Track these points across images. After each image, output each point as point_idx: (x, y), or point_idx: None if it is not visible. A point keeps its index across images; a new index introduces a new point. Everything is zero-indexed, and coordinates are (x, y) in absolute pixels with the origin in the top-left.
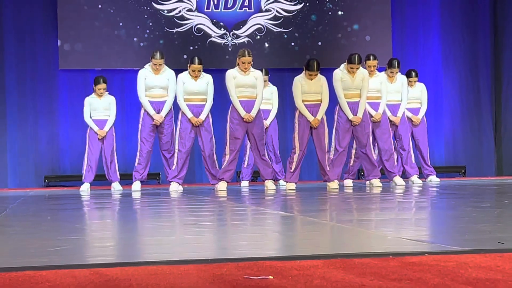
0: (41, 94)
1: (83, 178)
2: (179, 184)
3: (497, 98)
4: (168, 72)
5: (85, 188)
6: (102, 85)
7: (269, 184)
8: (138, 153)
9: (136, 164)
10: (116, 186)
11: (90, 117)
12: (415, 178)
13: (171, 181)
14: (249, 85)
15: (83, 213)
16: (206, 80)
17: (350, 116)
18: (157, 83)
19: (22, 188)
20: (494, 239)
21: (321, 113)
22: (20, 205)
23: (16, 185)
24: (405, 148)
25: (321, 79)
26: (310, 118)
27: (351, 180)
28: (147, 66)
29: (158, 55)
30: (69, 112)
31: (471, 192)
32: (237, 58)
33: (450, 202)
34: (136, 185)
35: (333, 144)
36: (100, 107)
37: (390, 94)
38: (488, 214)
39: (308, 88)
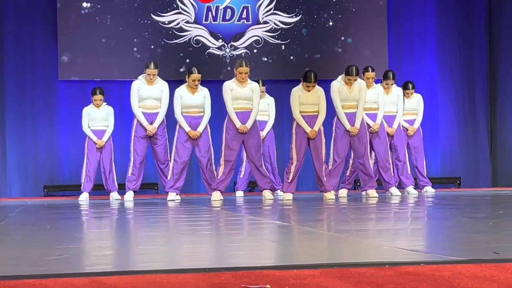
0: (41, 104)
1: (81, 187)
2: (177, 194)
3: (492, 109)
4: (161, 83)
5: (83, 198)
6: (98, 96)
7: (267, 194)
8: (131, 164)
9: (129, 174)
10: (114, 196)
11: (89, 127)
12: (410, 189)
13: (168, 191)
14: (246, 97)
15: (82, 222)
16: (203, 94)
17: (348, 126)
18: (150, 94)
19: (21, 197)
20: (489, 249)
21: (318, 124)
22: (20, 214)
23: (15, 194)
24: (400, 159)
25: (318, 90)
26: (308, 129)
27: (346, 190)
28: (140, 77)
29: (152, 65)
30: (68, 122)
31: (466, 203)
32: (235, 69)
33: (445, 213)
34: (129, 195)
35: (331, 155)
36: (98, 117)
37: (386, 105)
38: (483, 225)
39: (305, 99)
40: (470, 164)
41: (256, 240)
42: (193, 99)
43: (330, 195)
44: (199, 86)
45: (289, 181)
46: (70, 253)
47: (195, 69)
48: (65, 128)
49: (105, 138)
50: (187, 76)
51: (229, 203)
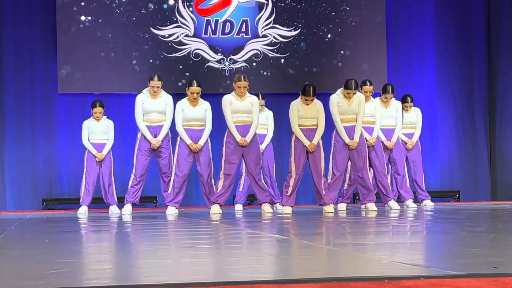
0: (40, 118)
1: (80, 201)
2: (176, 208)
3: (491, 123)
4: (165, 97)
5: (82, 211)
6: (98, 109)
7: (266, 208)
8: (132, 176)
9: (129, 187)
10: (114, 209)
11: (88, 140)
12: (409, 202)
13: (168, 205)
14: (245, 111)
15: (81, 236)
16: (205, 107)
17: (347, 140)
18: (154, 108)
19: (20, 210)
20: (488, 263)
21: (317, 138)
22: (18, 227)
23: (14, 207)
24: (399, 173)
25: (317, 104)
26: (306, 142)
27: (345, 204)
28: (144, 91)
29: (156, 77)
30: (68, 135)
31: (465, 217)
32: (234, 83)
33: (444, 226)
34: (127, 208)
35: (330, 168)
36: (98, 131)
37: (385, 119)
38: (482, 239)
39: (304, 113)
40: (470, 178)
41: (256, 254)
42: (194, 112)
43: (329, 209)
44: (200, 99)
45: (288, 194)
46: (69, 267)
47: (195, 82)
48: (64, 141)
49: (105, 151)
50: (187, 89)
51: (228, 217)
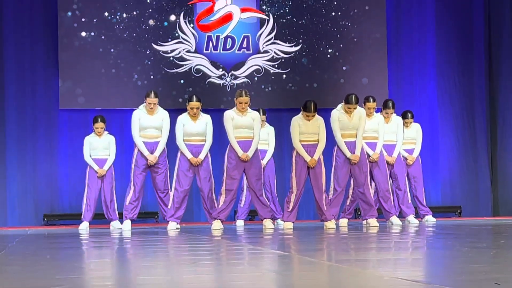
0: (41, 134)
1: (82, 217)
2: (177, 224)
3: (492, 138)
4: (161, 113)
5: (84, 227)
6: (100, 124)
7: (267, 223)
8: (130, 192)
9: (127, 203)
10: (115, 225)
11: (90, 156)
12: (411, 218)
13: (169, 220)
14: (246, 126)
15: (82, 252)
16: (205, 121)
17: (348, 154)
18: (151, 124)
19: (21, 226)
20: (490, 279)
21: (318, 153)
22: (19, 243)
23: (15, 223)
24: (401, 188)
25: (318, 119)
26: (307, 158)
27: (347, 220)
28: (141, 107)
29: (152, 94)
30: (69, 151)
31: (467, 232)
32: (235, 99)
33: (446, 242)
34: (127, 224)
35: (332, 184)
36: (99, 147)
37: (386, 134)
38: (484, 255)
39: (305, 128)
40: (471, 193)
41: (257, 270)
42: (195, 127)
43: (331, 224)
44: (201, 113)
45: (289, 210)
46: (71, 283)
47: (195, 97)
48: (65, 157)
49: (106, 167)
50: (187, 104)
51: (229, 232)
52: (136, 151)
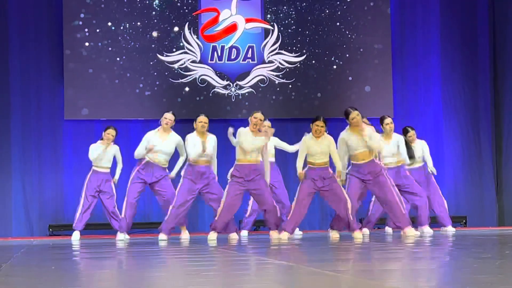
0: (46, 144)
1: (73, 226)
2: (166, 235)
3: (498, 148)
4: (175, 137)
5: (77, 238)
6: (111, 131)
7: (274, 235)
8: (124, 205)
9: (122, 215)
10: (120, 236)
11: (92, 165)
12: (427, 229)
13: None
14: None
15: (87, 263)
16: (213, 143)
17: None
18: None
19: (26, 237)
20: None
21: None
22: (24, 254)
23: (20, 234)
24: (420, 195)
25: (327, 138)
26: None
27: (368, 230)
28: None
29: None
30: (74, 161)
31: (472, 243)
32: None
33: (451, 253)
34: (122, 236)
35: None
36: (104, 158)
37: (387, 158)
38: (489, 265)
39: (314, 149)
40: (476, 203)
41: (266, 281)
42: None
43: (358, 235)
44: (208, 134)
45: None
46: None
47: (202, 114)
48: (70, 167)
49: (117, 176)
50: (194, 123)
51: (235, 243)
52: (138, 167)
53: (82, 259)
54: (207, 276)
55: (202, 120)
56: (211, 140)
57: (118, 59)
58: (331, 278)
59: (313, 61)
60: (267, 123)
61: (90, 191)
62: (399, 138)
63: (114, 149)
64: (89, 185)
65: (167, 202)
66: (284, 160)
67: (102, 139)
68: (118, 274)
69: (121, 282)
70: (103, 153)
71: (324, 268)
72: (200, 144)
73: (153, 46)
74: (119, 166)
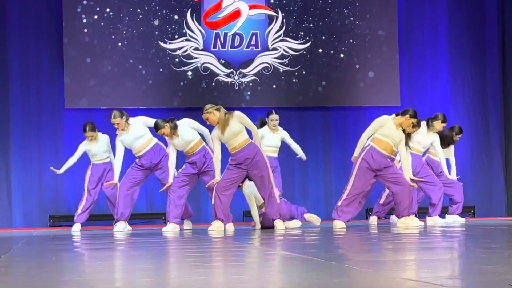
0: (46, 134)
1: (75, 218)
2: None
3: (506, 137)
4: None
5: (77, 229)
6: (89, 134)
7: (278, 224)
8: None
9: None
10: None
11: (91, 162)
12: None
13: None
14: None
15: (88, 254)
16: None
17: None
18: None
19: (26, 228)
20: (504, 281)
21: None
22: (25, 245)
23: (20, 225)
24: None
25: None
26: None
27: (376, 218)
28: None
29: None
30: (74, 151)
31: (480, 233)
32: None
33: (460, 243)
34: (121, 226)
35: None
36: (99, 151)
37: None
38: (498, 256)
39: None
40: (485, 193)
41: (272, 271)
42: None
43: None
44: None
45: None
46: (76, 286)
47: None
48: (70, 157)
49: (117, 173)
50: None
51: (240, 233)
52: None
53: (83, 250)
54: (211, 267)
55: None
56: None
57: (119, 46)
58: (334, 268)
59: (318, 48)
60: (275, 116)
61: (92, 185)
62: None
63: (103, 141)
64: (90, 179)
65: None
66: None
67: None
68: (119, 265)
69: (122, 273)
70: (95, 148)
71: (330, 258)
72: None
73: (154, 33)
74: (112, 157)
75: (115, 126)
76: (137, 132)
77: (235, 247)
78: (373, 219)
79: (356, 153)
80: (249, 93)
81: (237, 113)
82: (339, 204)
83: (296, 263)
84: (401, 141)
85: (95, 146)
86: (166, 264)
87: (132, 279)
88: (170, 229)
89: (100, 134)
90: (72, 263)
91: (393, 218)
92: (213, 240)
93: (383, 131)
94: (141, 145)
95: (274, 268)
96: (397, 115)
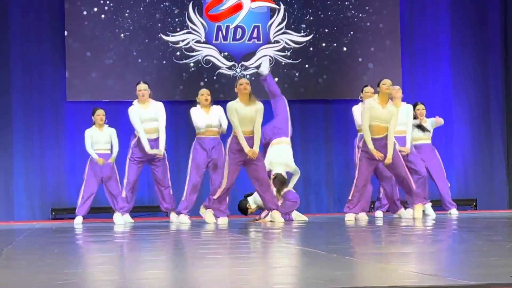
0: (48, 126)
1: (76, 211)
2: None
3: (508, 129)
4: (155, 104)
5: (79, 221)
6: (101, 111)
7: (276, 216)
8: (124, 186)
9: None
10: (127, 219)
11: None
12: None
13: (183, 212)
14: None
15: (90, 246)
16: (218, 113)
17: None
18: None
19: (28, 220)
20: (506, 273)
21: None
22: (27, 238)
23: (22, 217)
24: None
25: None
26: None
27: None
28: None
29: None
30: (76, 144)
31: (482, 225)
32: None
33: (461, 235)
34: (120, 219)
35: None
36: (101, 140)
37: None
38: (500, 248)
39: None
40: (486, 186)
41: (276, 264)
42: (209, 118)
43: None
44: (214, 105)
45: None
46: (78, 277)
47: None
48: (72, 150)
49: (112, 160)
50: (197, 97)
51: (236, 226)
52: (133, 143)
53: (85, 242)
54: (214, 259)
55: (204, 93)
56: (217, 112)
57: (121, 39)
58: (338, 260)
59: (320, 41)
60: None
61: (91, 177)
62: (409, 109)
63: (110, 131)
64: (89, 171)
65: None
66: None
67: (94, 123)
68: (121, 258)
69: (124, 266)
70: (98, 135)
71: (331, 251)
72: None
73: (156, 26)
74: (115, 150)
75: (140, 94)
76: (155, 114)
77: (236, 240)
78: (378, 213)
79: (370, 146)
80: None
81: (262, 105)
82: (349, 197)
83: (298, 255)
84: (392, 118)
85: (99, 133)
86: (170, 256)
87: (134, 271)
88: (184, 221)
89: (107, 125)
90: (74, 256)
91: (378, 213)
92: (218, 233)
93: (371, 115)
94: (152, 129)
95: (276, 260)
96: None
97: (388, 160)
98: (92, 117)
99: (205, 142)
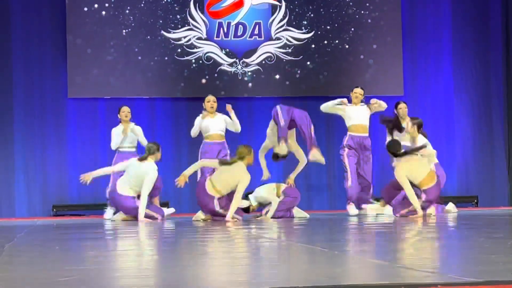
0: (50, 123)
1: (109, 207)
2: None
3: (509, 126)
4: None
5: (114, 215)
6: (126, 108)
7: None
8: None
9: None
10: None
11: (118, 148)
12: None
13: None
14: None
15: (92, 243)
16: (223, 117)
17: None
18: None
19: (29, 217)
20: (507, 270)
21: None
22: (28, 234)
23: (23, 214)
24: None
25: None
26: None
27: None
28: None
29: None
30: (78, 141)
31: (484, 223)
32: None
33: (463, 233)
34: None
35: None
36: (126, 139)
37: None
38: (501, 245)
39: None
40: (487, 183)
41: (280, 260)
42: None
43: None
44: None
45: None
46: (80, 274)
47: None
48: (74, 147)
49: None
50: (203, 103)
51: (238, 223)
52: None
53: (87, 239)
54: (216, 255)
55: (210, 100)
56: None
57: (122, 36)
58: (338, 257)
59: (322, 38)
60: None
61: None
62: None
63: (136, 129)
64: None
65: None
66: None
67: (121, 121)
68: (123, 254)
69: (126, 262)
70: (124, 133)
71: (332, 248)
72: None
73: (158, 23)
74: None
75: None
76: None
77: (236, 236)
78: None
79: (416, 205)
80: (252, 82)
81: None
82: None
83: (298, 252)
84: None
85: (125, 130)
86: (171, 252)
87: (136, 267)
88: (202, 217)
89: (133, 123)
90: (76, 252)
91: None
92: (220, 229)
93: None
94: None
95: (276, 257)
96: None
97: None
98: (118, 115)
99: (212, 147)
